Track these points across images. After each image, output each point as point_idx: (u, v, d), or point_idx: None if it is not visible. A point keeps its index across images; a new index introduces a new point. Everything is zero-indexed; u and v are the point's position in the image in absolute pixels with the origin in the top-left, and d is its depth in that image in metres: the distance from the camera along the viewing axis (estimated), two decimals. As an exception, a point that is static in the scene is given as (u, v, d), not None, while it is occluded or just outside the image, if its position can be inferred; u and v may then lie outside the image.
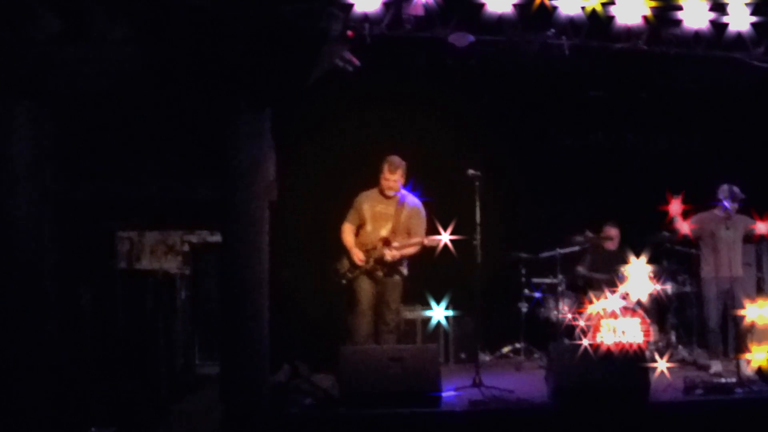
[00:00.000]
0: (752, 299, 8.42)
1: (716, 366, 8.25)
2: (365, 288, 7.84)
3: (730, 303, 8.45)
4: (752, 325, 8.32)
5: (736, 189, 8.51)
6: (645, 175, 10.14)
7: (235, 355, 6.50)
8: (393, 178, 7.81)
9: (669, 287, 8.98)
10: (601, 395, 6.78)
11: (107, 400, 6.65)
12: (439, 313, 7.98)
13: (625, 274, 8.93)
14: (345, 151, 9.14)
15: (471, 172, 7.78)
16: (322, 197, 8.88)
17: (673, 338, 9.17)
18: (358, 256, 7.80)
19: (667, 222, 8.71)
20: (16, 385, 6.26)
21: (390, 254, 7.73)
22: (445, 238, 7.54)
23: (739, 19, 7.69)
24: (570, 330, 8.74)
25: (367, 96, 8.87)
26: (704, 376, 7.62)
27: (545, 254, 9.30)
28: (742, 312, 8.18)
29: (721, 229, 8.48)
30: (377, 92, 8.92)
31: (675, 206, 8.60)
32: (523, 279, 9.44)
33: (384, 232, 7.84)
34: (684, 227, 8.62)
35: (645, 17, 7.61)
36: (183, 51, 6.27)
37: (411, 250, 7.84)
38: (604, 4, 7.50)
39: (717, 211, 8.55)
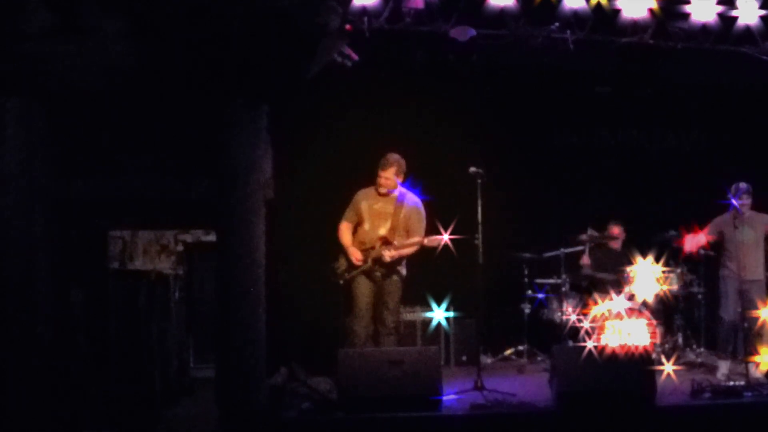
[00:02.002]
0: (764, 301, 8.41)
1: (724, 367, 8.23)
2: (363, 289, 7.86)
3: (745, 305, 8.43)
4: (761, 327, 8.32)
5: (742, 185, 8.48)
6: (651, 173, 10.16)
7: (230, 358, 6.51)
8: (385, 175, 7.82)
9: (676, 288, 8.99)
10: (606, 399, 6.78)
11: (100, 404, 6.67)
12: (439, 314, 7.99)
13: (631, 274, 8.95)
14: (343, 148, 9.14)
15: (472, 169, 7.78)
16: (320, 196, 8.89)
17: (680, 340, 9.17)
18: (356, 255, 7.81)
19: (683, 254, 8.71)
20: (7, 389, 6.27)
21: (388, 254, 7.74)
22: (445, 238, 7.56)
23: (748, 13, 7.72)
24: (574, 332, 8.75)
25: (366, 92, 8.88)
26: (712, 379, 7.62)
27: (548, 254, 9.32)
28: (756, 313, 8.15)
29: (737, 231, 8.46)
30: (376, 88, 8.93)
31: (690, 242, 8.59)
32: (526, 279, 9.45)
33: (382, 231, 7.85)
34: (700, 248, 8.65)
35: (651, 10, 7.64)
36: (178, 46, 6.28)
37: (410, 250, 7.85)
38: (609, -2, 7.54)
39: (733, 212, 8.53)
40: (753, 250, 8.45)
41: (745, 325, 8.28)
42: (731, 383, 7.44)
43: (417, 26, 7.47)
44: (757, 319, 8.15)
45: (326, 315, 8.56)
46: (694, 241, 8.62)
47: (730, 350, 8.51)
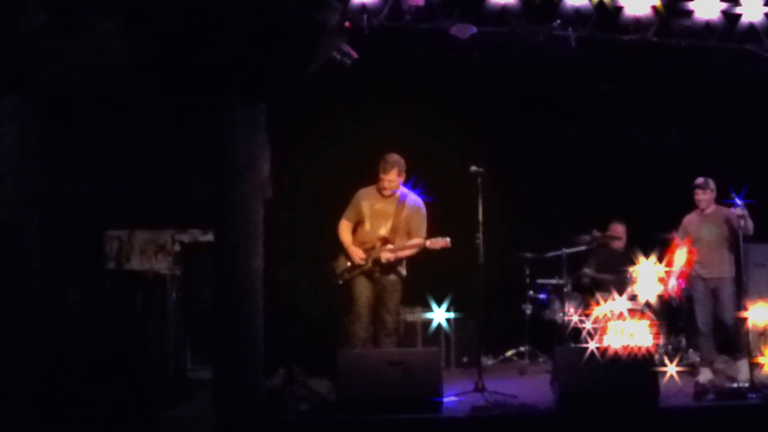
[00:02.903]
0: (734, 300, 8.40)
1: (705, 374, 8.16)
2: (363, 289, 7.85)
3: (717, 304, 8.41)
4: (766, 329, 8.29)
5: (699, 180, 8.46)
6: (654, 172, 10.14)
7: (228, 359, 6.50)
8: (388, 177, 7.81)
9: (679, 288, 8.98)
10: (608, 401, 6.78)
11: (96, 407, 6.65)
12: (440, 315, 7.99)
13: (633, 274, 8.94)
14: (342, 147, 9.15)
15: (474, 168, 7.79)
16: (319, 195, 8.90)
17: (684, 341, 9.17)
18: (358, 254, 7.80)
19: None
20: (5, 390, 6.27)
21: (386, 256, 7.73)
22: (447, 241, 7.58)
23: (752, 10, 7.71)
24: (576, 333, 8.74)
25: (365, 90, 8.88)
26: (716, 381, 7.61)
27: (550, 254, 9.31)
28: (744, 314, 8.13)
29: (701, 229, 8.46)
30: (376, 86, 8.93)
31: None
32: (528, 280, 9.46)
33: (383, 231, 7.85)
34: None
35: (654, 8, 7.62)
36: (175, 43, 6.27)
37: (410, 252, 7.84)
38: (611, -6, 7.53)
39: (698, 209, 8.51)
40: (717, 247, 8.42)
41: (723, 327, 8.28)
42: (735, 385, 7.43)
43: (417, 24, 7.46)
44: (744, 319, 8.11)
45: (325, 316, 8.57)
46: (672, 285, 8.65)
47: (712, 355, 8.47)
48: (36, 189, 6.47)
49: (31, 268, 6.43)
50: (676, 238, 8.72)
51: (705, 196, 8.42)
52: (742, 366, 7.83)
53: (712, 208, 8.46)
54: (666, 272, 8.70)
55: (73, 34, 6.30)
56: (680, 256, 8.60)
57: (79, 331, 6.81)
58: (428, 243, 7.70)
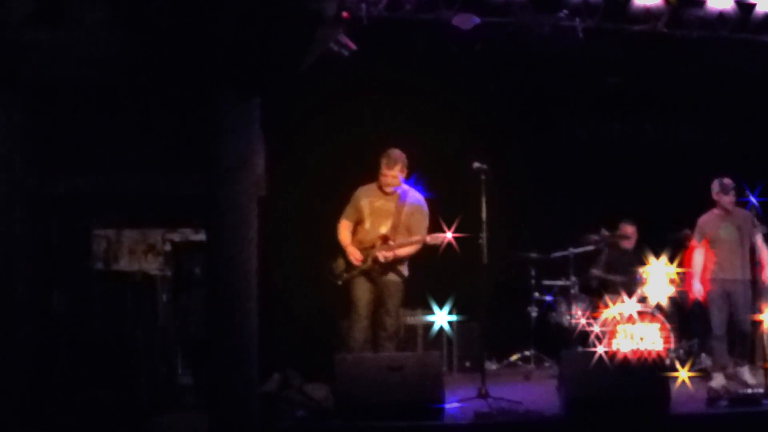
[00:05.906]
0: (752, 303, 8.40)
1: (719, 378, 8.15)
2: (362, 290, 7.85)
3: (733, 308, 8.41)
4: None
5: (728, 181, 8.46)
6: (665, 168, 10.15)
7: (221, 364, 6.50)
8: (391, 173, 7.81)
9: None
10: (617, 407, 6.78)
11: (83, 413, 6.66)
12: (442, 317, 7.99)
13: (644, 275, 8.94)
14: (340, 142, 9.14)
15: (477, 165, 7.78)
16: (316, 192, 8.89)
17: (696, 345, 9.18)
18: (355, 255, 7.80)
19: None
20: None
21: (383, 255, 7.72)
22: (448, 236, 7.56)
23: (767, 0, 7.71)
24: (584, 336, 8.76)
25: (364, 83, 8.87)
26: (729, 386, 7.61)
27: (557, 254, 9.32)
28: (760, 317, 8.13)
29: (719, 230, 8.46)
30: (375, 79, 8.92)
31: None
32: (533, 281, 9.46)
33: (383, 230, 7.85)
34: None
35: (665, -3, 7.64)
36: (166, 35, 6.28)
37: (408, 250, 7.83)
38: (620, -17, 7.54)
39: (716, 210, 8.52)
40: (739, 248, 8.42)
41: (739, 330, 8.28)
42: (749, 390, 7.43)
43: (418, 14, 7.47)
44: (759, 323, 8.11)
45: (323, 318, 8.58)
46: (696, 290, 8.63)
47: (725, 359, 8.46)
48: (21, 185, 6.46)
49: (14, 268, 6.42)
50: (693, 240, 8.71)
51: (730, 198, 8.42)
52: (755, 372, 7.82)
53: (732, 209, 8.47)
54: (687, 275, 8.70)
55: (60, 26, 6.31)
56: (698, 258, 8.60)
57: (65, 334, 6.82)
58: (428, 239, 7.69)
